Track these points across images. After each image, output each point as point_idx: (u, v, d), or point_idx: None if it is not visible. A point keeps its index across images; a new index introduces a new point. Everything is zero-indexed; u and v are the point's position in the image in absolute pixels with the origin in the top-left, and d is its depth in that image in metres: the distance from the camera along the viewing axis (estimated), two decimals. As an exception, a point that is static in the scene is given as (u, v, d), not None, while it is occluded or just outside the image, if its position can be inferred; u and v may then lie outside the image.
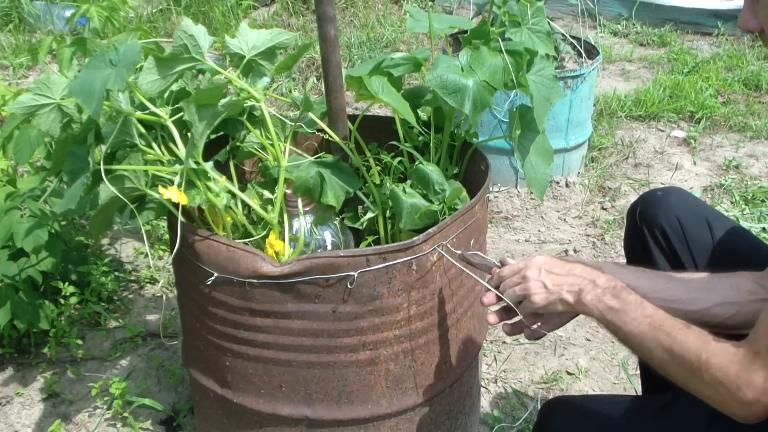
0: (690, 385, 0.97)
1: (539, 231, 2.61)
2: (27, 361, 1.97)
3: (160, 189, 1.17)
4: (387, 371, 1.28)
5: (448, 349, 1.35)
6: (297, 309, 1.20)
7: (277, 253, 1.25)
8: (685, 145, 3.21)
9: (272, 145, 1.31)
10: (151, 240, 2.44)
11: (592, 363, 1.99)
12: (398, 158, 1.46)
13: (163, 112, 1.20)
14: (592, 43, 2.80)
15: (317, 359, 1.24)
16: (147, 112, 1.19)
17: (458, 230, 1.26)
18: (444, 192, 1.33)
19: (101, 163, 1.15)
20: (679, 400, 1.09)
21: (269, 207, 1.36)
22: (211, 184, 1.24)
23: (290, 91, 3.42)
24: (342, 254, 1.16)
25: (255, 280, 1.18)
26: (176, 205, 1.20)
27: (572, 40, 2.74)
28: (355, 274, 1.16)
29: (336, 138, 1.38)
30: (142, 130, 1.22)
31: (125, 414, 1.78)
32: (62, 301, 1.99)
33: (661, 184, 2.89)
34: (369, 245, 1.40)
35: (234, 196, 1.29)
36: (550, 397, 1.82)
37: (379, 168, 1.44)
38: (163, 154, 1.24)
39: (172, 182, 1.21)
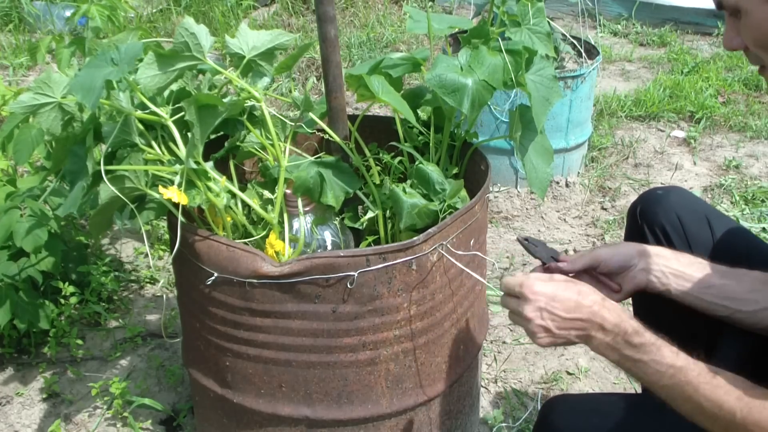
0: None
1: (539, 231, 2.61)
2: (27, 361, 1.97)
3: (160, 189, 1.17)
4: (387, 371, 1.27)
5: (448, 349, 1.34)
6: (297, 309, 1.20)
7: (277, 253, 1.25)
8: (685, 145, 3.21)
9: (272, 145, 1.31)
10: (151, 240, 2.44)
11: (592, 363, 1.99)
12: (398, 158, 1.46)
13: (164, 112, 1.20)
14: (592, 43, 2.80)
15: (317, 359, 1.24)
16: (147, 111, 1.19)
17: (458, 230, 1.26)
18: (444, 192, 1.33)
19: (101, 162, 1.15)
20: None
21: (269, 207, 1.36)
22: (211, 184, 1.24)
23: (290, 91, 3.42)
24: (342, 254, 1.16)
25: (255, 280, 1.18)
26: (176, 205, 1.20)
27: (572, 40, 2.74)
28: (355, 274, 1.16)
29: (336, 138, 1.38)
30: (143, 129, 1.22)
31: (125, 414, 1.78)
32: (62, 301, 1.99)
33: (661, 184, 2.89)
34: (369, 245, 1.40)
35: (234, 196, 1.29)
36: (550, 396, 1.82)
37: (379, 168, 1.44)
38: (163, 153, 1.23)
39: (172, 182, 1.21)
